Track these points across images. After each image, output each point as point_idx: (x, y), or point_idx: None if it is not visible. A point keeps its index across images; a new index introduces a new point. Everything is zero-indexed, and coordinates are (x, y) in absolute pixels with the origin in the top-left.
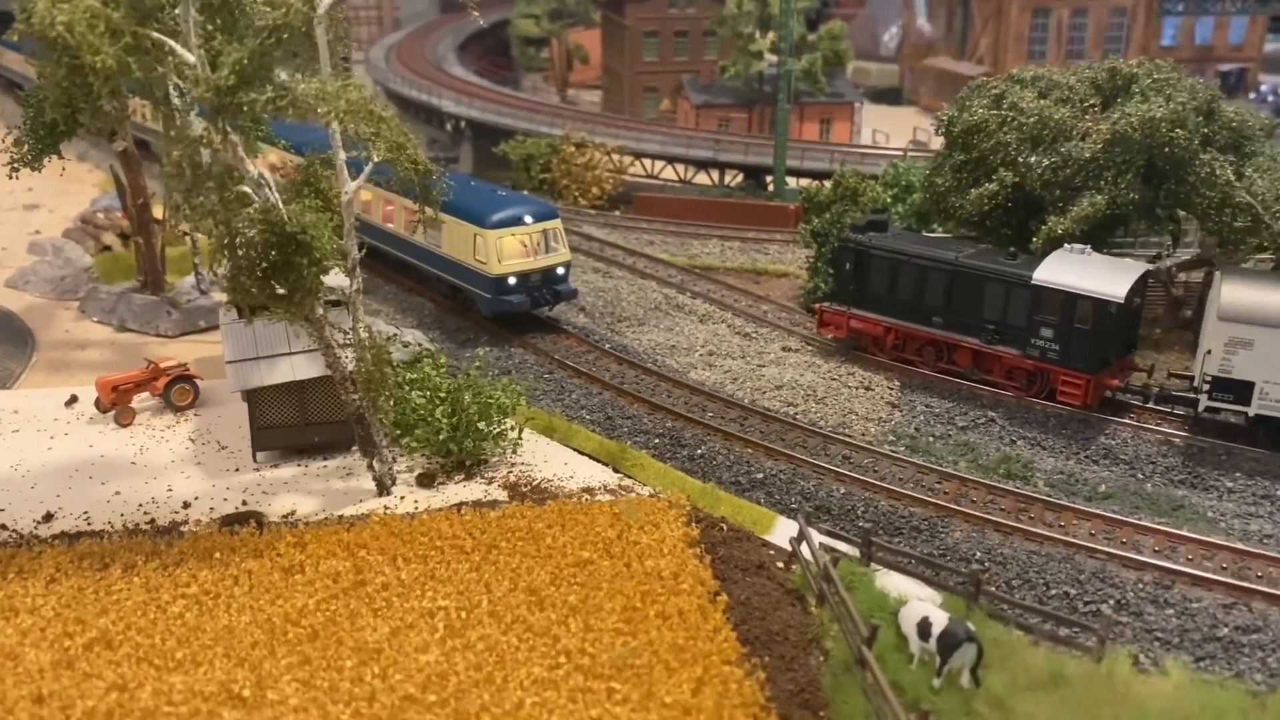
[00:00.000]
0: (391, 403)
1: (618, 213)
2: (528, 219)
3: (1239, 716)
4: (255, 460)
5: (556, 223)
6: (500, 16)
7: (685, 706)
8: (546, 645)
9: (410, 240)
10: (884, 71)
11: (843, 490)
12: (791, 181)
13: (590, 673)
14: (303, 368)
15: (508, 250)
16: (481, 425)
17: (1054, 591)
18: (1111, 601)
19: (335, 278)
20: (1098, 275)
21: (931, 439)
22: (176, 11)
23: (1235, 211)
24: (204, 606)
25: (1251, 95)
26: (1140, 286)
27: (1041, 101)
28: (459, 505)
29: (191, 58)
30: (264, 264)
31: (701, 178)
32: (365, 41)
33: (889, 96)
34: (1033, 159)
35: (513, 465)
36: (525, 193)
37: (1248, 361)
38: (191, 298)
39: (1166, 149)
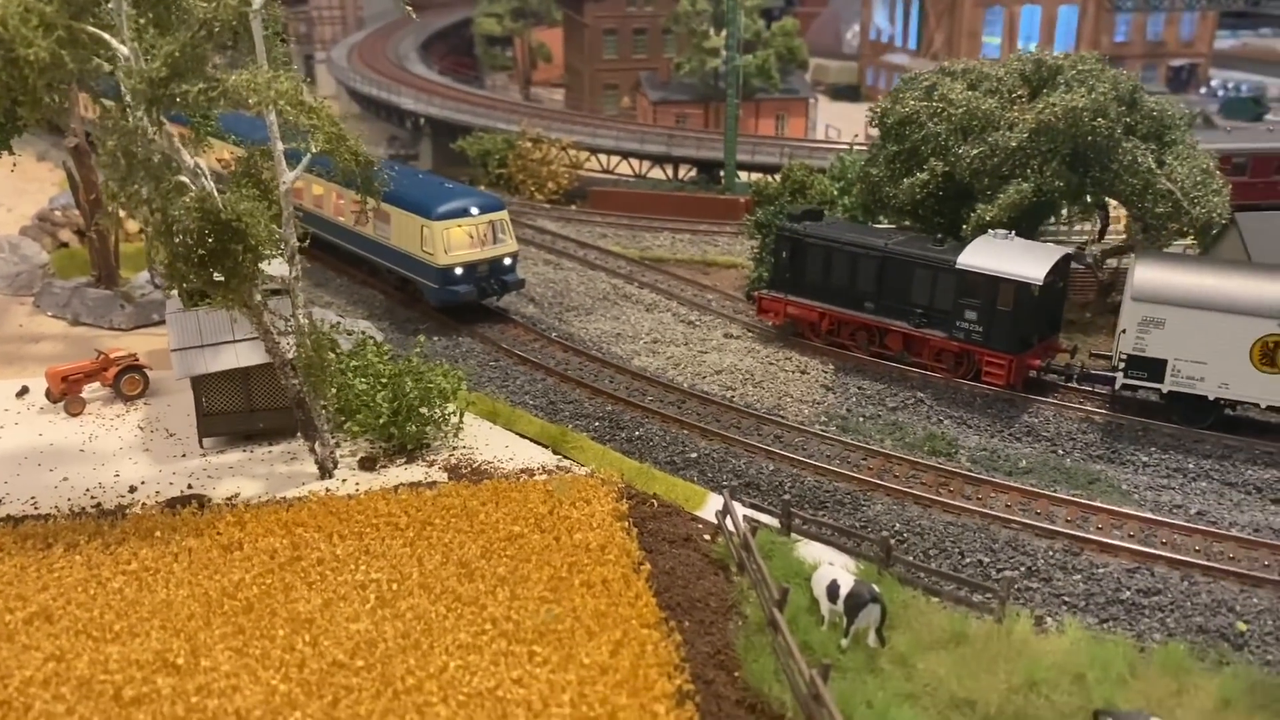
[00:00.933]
0: (334, 388)
1: (574, 207)
2: (474, 210)
3: (1124, 666)
4: (202, 446)
5: (503, 214)
6: (464, 16)
7: (603, 667)
8: (474, 613)
9: (361, 233)
10: (844, 69)
11: (772, 467)
12: (743, 176)
13: (514, 638)
14: (246, 355)
15: (454, 241)
16: (423, 410)
17: (968, 560)
18: (1023, 568)
19: (277, 266)
20: (1018, 259)
21: (862, 419)
22: (110, 5)
23: (1157, 198)
24: (143, 582)
25: (1202, 90)
26: (1061, 269)
27: (970, 93)
28: (398, 486)
29: (125, 50)
30: (200, 251)
31: (656, 172)
32: (328, 41)
33: (849, 93)
34: (962, 149)
35: (454, 449)
36: (481, 187)
37: (1160, 340)
38: (145, 292)
39: (1089, 137)
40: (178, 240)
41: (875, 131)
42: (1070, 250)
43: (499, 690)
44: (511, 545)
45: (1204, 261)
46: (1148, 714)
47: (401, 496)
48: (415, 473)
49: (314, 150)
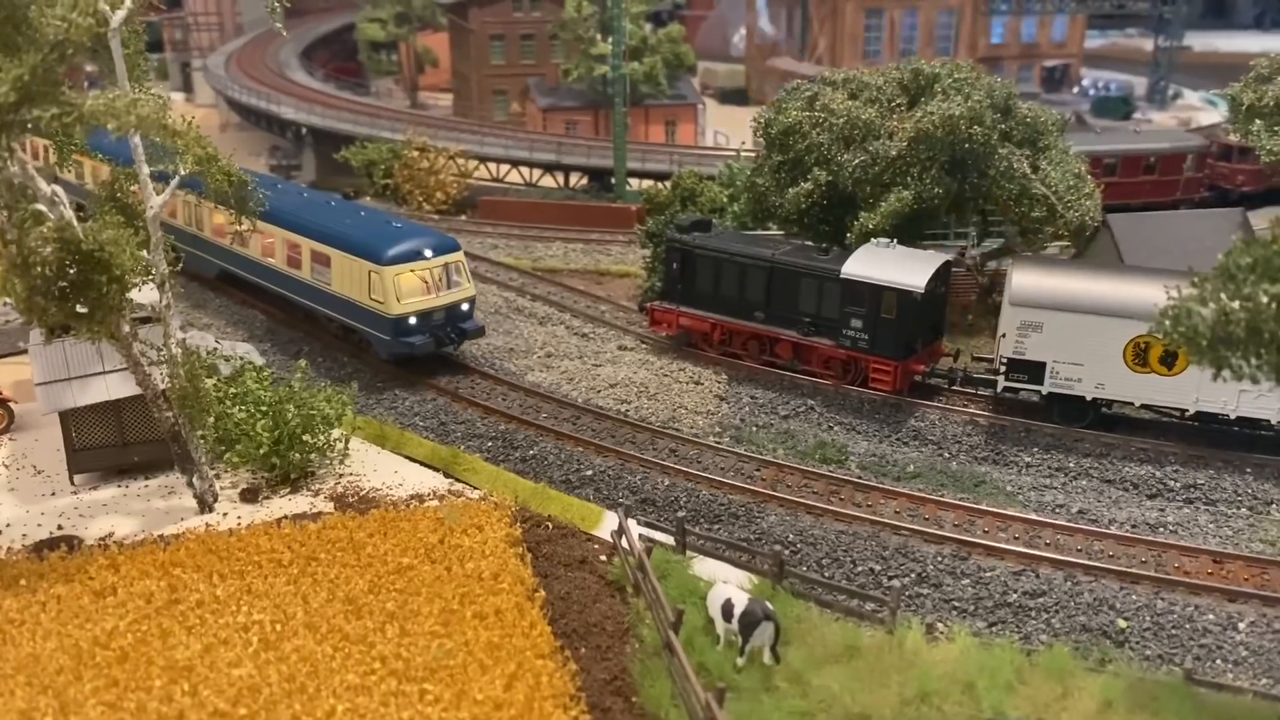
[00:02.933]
0: (212, 418)
1: (464, 217)
2: (427, 253)
3: (1011, 672)
4: (73, 483)
5: (459, 255)
6: (347, 21)
7: (497, 702)
8: (362, 652)
9: (295, 277)
10: (731, 72)
11: (667, 482)
12: (634, 183)
13: (404, 676)
14: (117, 387)
15: (407, 288)
16: (306, 437)
17: (860, 569)
18: (913, 575)
19: (147, 293)
20: (901, 267)
21: (755, 429)
22: None
23: (1032, 202)
24: (7, 635)
25: (1075, 89)
26: (942, 276)
27: (851, 102)
28: (281, 519)
29: None
30: (61, 283)
31: (547, 181)
32: (206, 48)
33: (736, 97)
34: (844, 158)
35: (340, 476)
36: (366, 199)
37: (1038, 343)
38: (10, 319)
39: (966, 144)
40: (35, 272)
41: (761, 140)
42: (950, 256)
43: None
44: (401, 578)
45: (1078, 265)
46: None
47: (285, 531)
48: (300, 503)
49: (183, 172)
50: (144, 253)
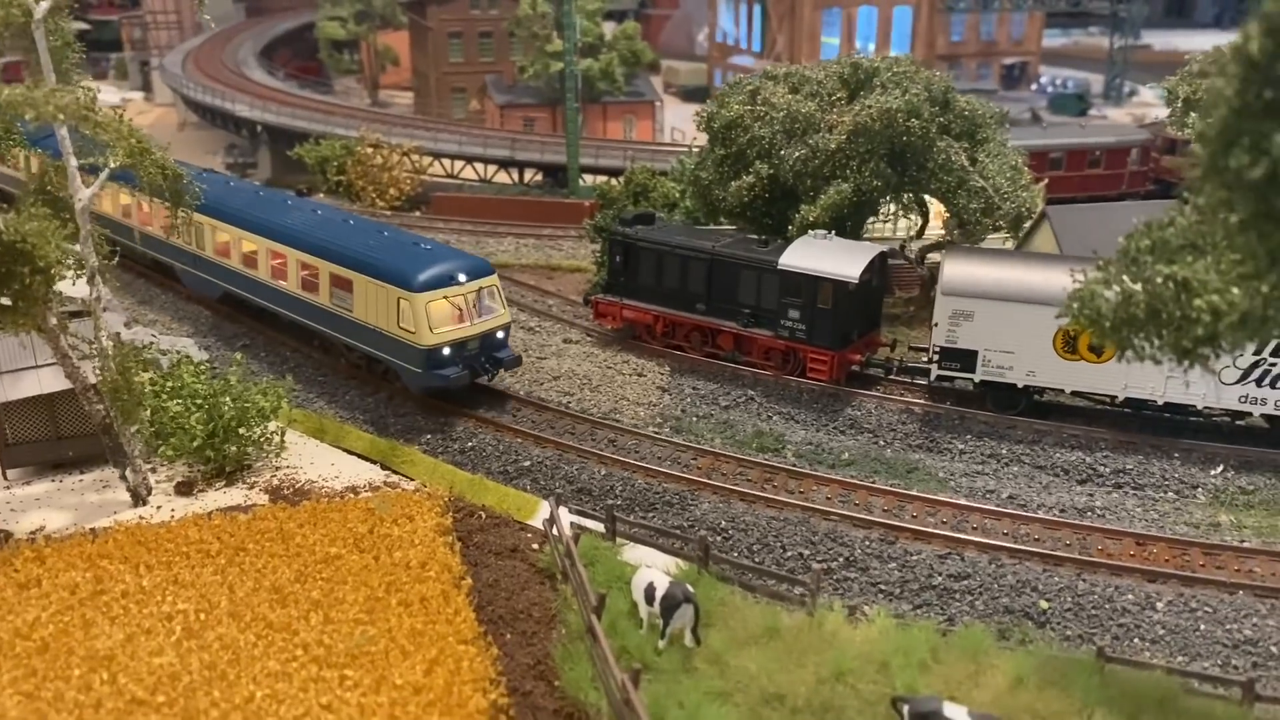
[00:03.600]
0: (148, 412)
1: (417, 214)
2: (461, 277)
3: (926, 651)
4: (5, 478)
5: (493, 279)
6: (307, 20)
7: (416, 686)
8: (285, 640)
9: (311, 302)
10: (694, 70)
11: (604, 472)
12: (589, 179)
13: (325, 662)
14: (50, 381)
15: (439, 316)
16: (242, 431)
17: (789, 553)
18: (841, 559)
19: (80, 287)
20: (836, 258)
21: (695, 419)
22: None
23: (970, 194)
24: None
25: (1033, 86)
26: (877, 267)
27: (791, 96)
28: (213, 511)
29: None
30: None
31: (502, 177)
32: (163, 47)
33: (699, 95)
34: (785, 151)
35: (277, 469)
36: (320, 195)
37: (970, 332)
38: None
39: (905, 137)
40: None
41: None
42: (886, 248)
43: (306, 718)
44: (328, 567)
45: (1009, 255)
46: (941, 697)
47: (215, 522)
48: (235, 496)
49: (113, 164)
50: (75, 246)
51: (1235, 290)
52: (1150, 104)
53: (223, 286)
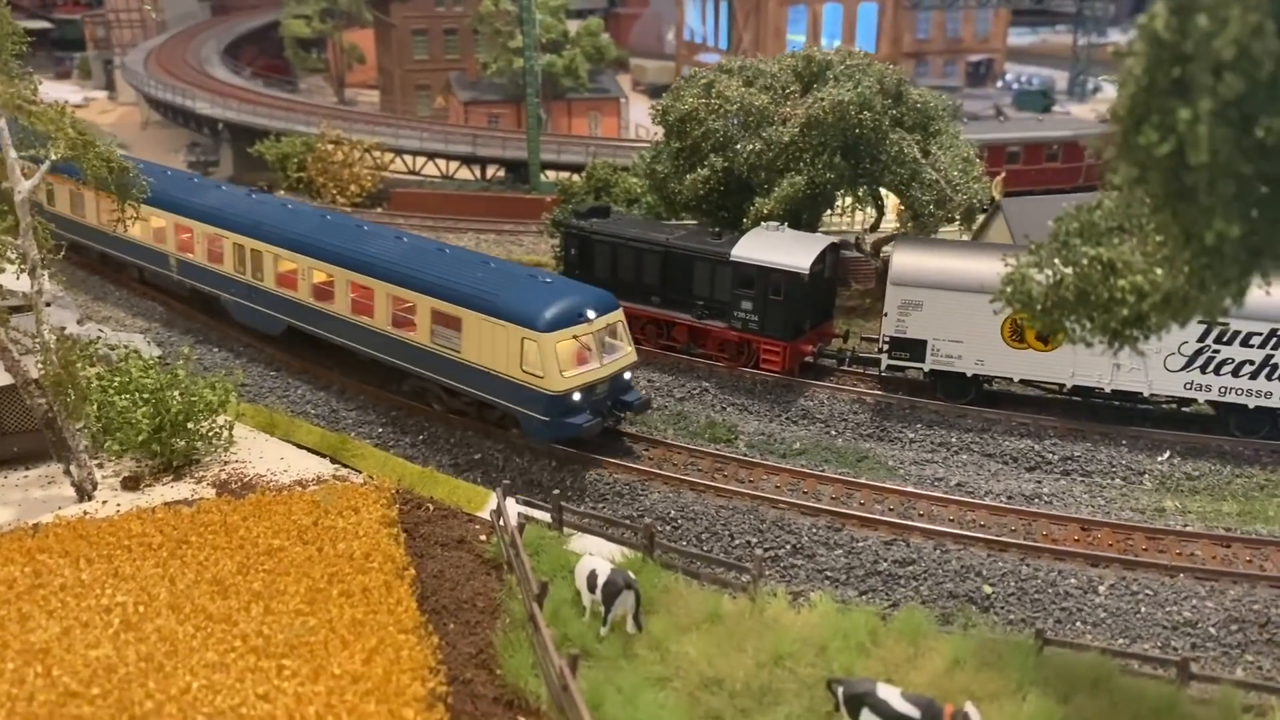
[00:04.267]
0: (94, 407)
1: (379, 210)
2: (590, 313)
3: (866, 635)
4: None
5: (619, 314)
6: (273, 18)
7: (354, 675)
8: (224, 631)
9: (407, 341)
10: (662, 68)
11: (554, 464)
12: (551, 175)
13: (264, 653)
14: None
15: (568, 357)
16: (190, 425)
17: (737, 541)
18: (788, 546)
19: (21, 281)
20: (788, 249)
21: (650, 411)
22: None
23: (923, 186)
24: None
25: (998, 83)
26: (828, 258)
27: (746, 89)
28: (158, 506)
29: None
30: None
31: (465, 173)
32: (127, 46)
33: None
34: (740, 144)
35: (226, 463)
36: (280, 192)
37: (919, 322)
38: None
39: (857, 130)
40: None
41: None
42: (837, 240)
43: (242, 707)
44: (270, 559)
45: (957, 246)
46: (875, 680)
47: (158, 516)
48: (182, 490)
49: (54, 156)
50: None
51: (1159, 271)
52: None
53: (285, 321)
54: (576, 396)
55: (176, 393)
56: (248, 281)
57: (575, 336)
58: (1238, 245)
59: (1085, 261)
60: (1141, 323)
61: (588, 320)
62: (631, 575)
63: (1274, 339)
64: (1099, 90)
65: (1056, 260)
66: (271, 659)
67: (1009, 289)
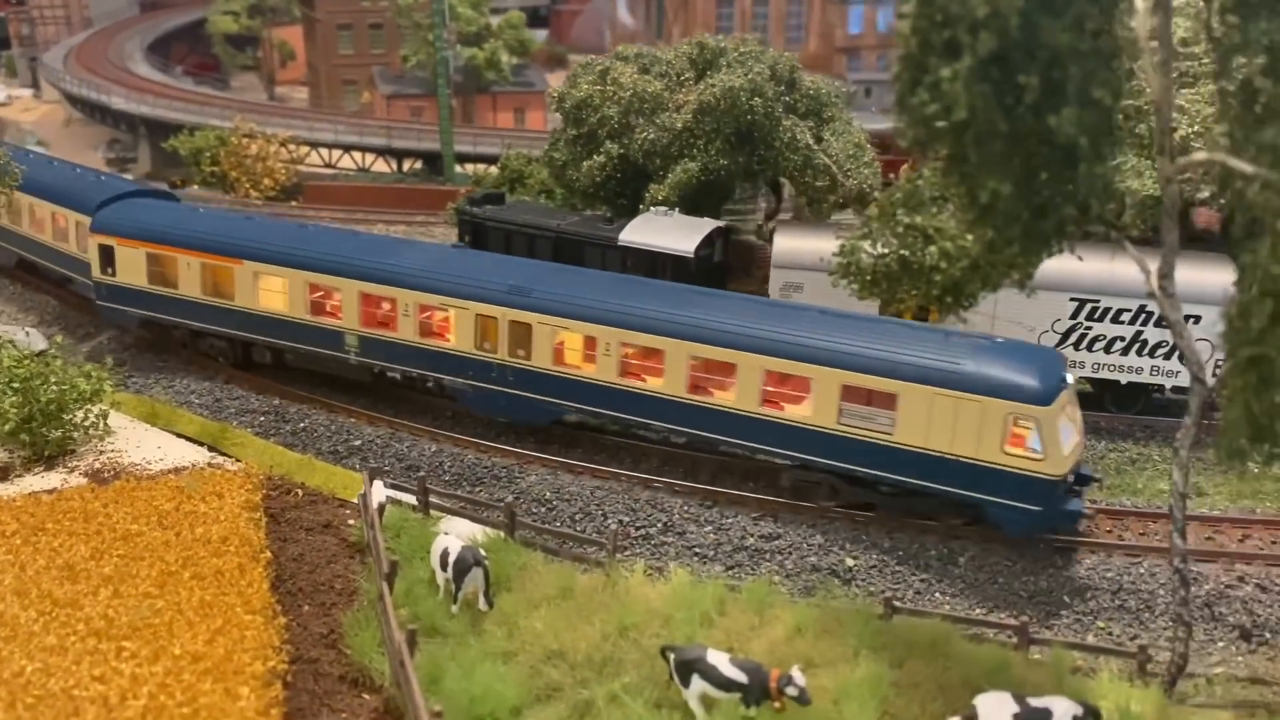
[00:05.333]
0: None
1: (293, 204)
2: (1069, 376)
3: (713, 605)
4: None
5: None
6: (201, 15)
7: (195, 656)
8: (68, 615)
9: (795, 424)
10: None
11: (434, 448)
12: (469, 167)
13: (105, 635)
14: None
15: (1063, 432)
16: (63, 415)
17: (610, 520)
18: (659, 524)
19: None
20: (674, 233)
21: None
22: None
23: (815, 172)
24: None
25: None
26: (716, 242)
27: (639, 76)
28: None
29: None
30: None
31: (381, 166)
32: (51, 42)
33: None
34: (638, 131)
35: (101, 453)
36: (194, 187)
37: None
38: None
39: (749, 116)
40: None
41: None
42: (725, 224)
43: (75, 689)
44: (126, 544)
45: (835, 228)
46: (705, 646)
47: (16, 504)
48: (53, 480)
49: None
50: None
51: (969, 236)
52: None
53: (569, 407)
54: (1070, 479)
55: (49, 381)
56: (502, 362)
57: (1066, 406)
58: (1015, 203)
59: (901, 230)
60: (958, 290)
61: (1069, 384)
62: (481, 553)
63: (1142, 315)
64: None
65: (886, 232)
66: (112, 641)
67: (844, 261)
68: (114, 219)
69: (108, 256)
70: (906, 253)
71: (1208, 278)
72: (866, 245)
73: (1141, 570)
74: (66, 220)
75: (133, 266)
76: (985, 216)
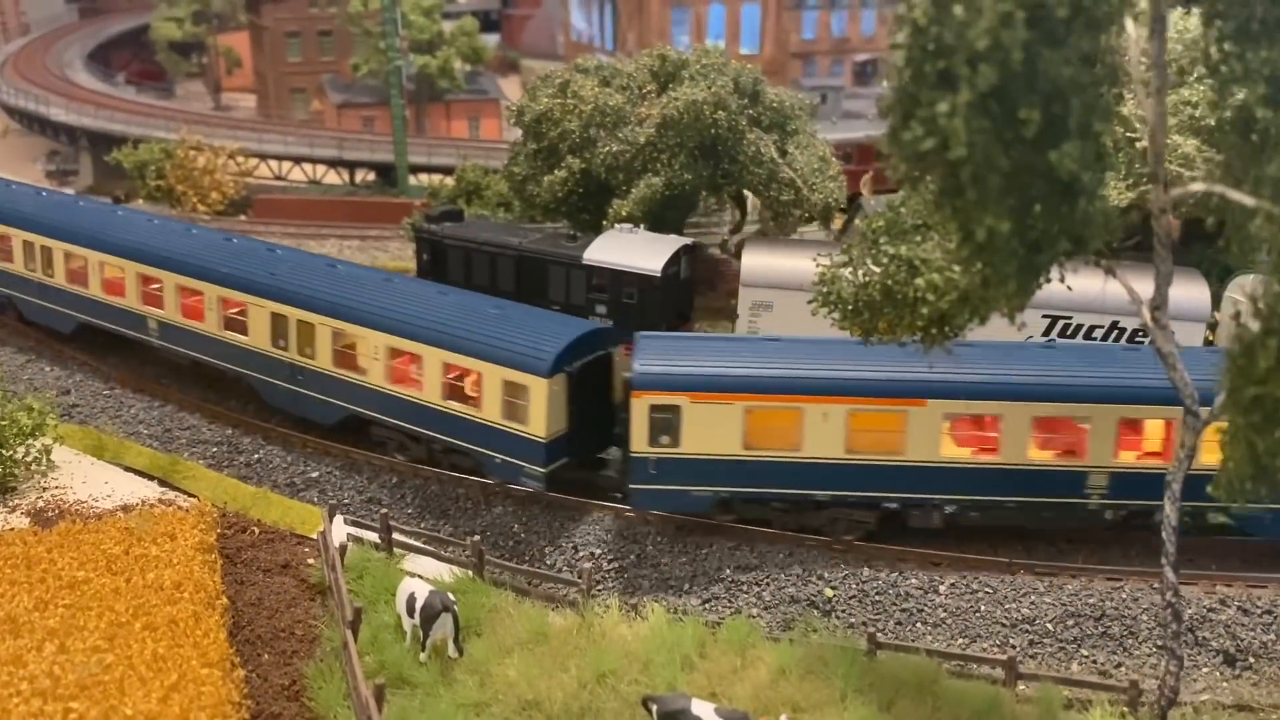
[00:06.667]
0: None
1: (242, 218)
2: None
3: (692, 647)
4: None
5: None
6: (145, 21)
7: (150, 715)
8: (9, 674)
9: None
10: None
11: (395, 480)
12: (423, 178)
13: (51, 695)
14: None
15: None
16: (3, 451)
17: (581, 553)
18: (633, 556)
19: None
20: (640, 252)
21: None
22: None
23: (781, 186)
24: None
25: (885, 83)
26: (683, 259)
27: (600, 90)
28: None
29: None
30: None
31: (333, 178)
32: None
33: None
34: (597, 145)
35: (45, 490)
36: (139, 202)
37: (770, 322)
38: None
39: (713, 130)
40: None
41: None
42: (690, 240)
43: None
44: (72, 593)
45: (808, 245)
46: (689, 695)
47: None
48: None
49: None
50: None
51: (956, 269)
52: None
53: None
54: None
55: None
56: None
57: None
58: (1012, 240)
59: (886, 260)
60: (945, 321)
61: None
62: (450, 597)
63: (1114, 331)
64: None
65: (868, 260)
66: (59, 702)
67: (823, 289)
68: None
69: None
70: (890, 282)
71: (1177, 291)
72: (847, 273)
73: (1124, 595)
74: None
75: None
76: (980, 253)
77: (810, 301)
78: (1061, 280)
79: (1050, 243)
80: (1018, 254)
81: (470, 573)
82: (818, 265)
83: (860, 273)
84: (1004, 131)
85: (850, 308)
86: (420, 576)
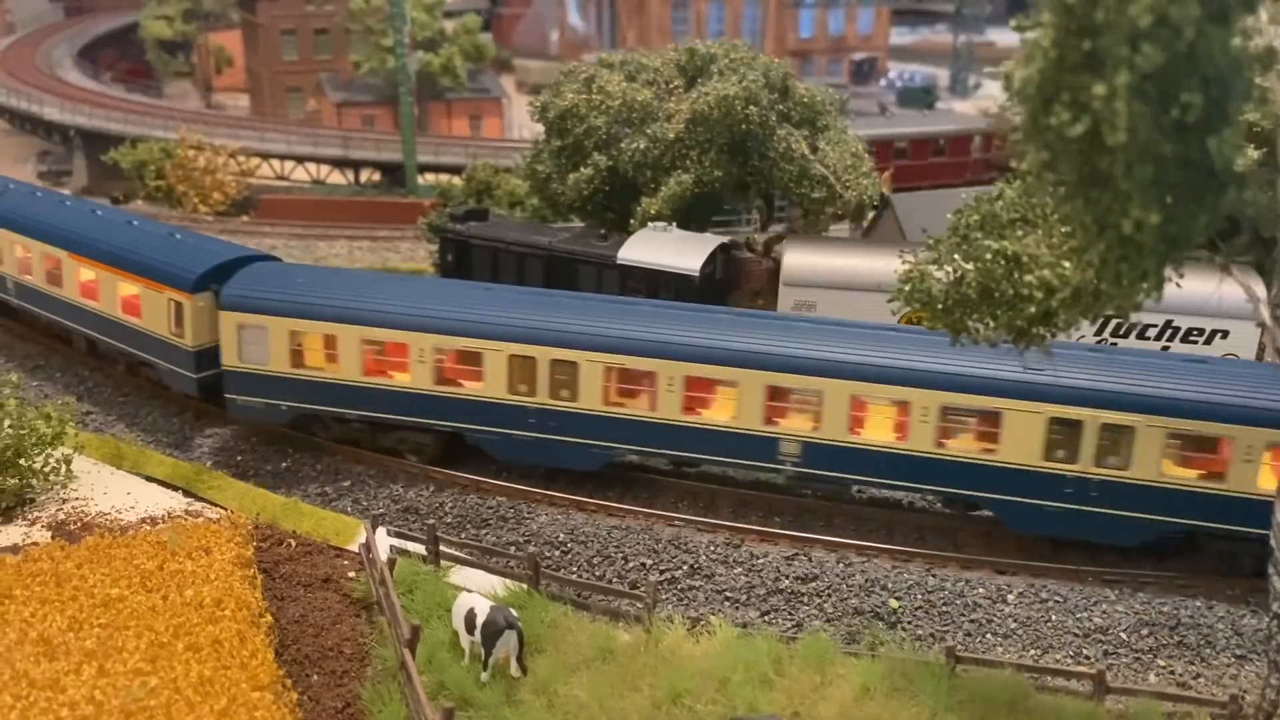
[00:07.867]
0: None
1: (244, 219)
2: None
3: (769, 664)
4: None
5: None
6: (134, 19)
7: None
8: (49, 699)
9: None
10: (545, 69)
11: (432, 488)
12: (430, 177)
13: None
14: None
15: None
16: (22, 461)
17: (631, 564)
18: (685, 566)
19: None
20: (675, 251)
21: None
22: None
23: (812, 183)
24: None
25: (881, 81)
26: (718, 259)
27: (628, 85)
28: None
29: None
30: None
31: (337, 177)
32: None
33: None
34: (625, 143)
35: (65, 501)
36: (137, 202)
37: None
38: None
39: (744, 125)
40: None
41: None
42: (727, 239)
43: None
44: (107, 611)
45: (848, 243)
46: (779, 717)
47: None
48: (13, 534)
49: None
50: None
51: (1066, 264)
52: (995, 97)
53: None
54: None
55: (3, 425)
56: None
57: None
58: (1156, 234)
59: (989, 256)
60: (1049, 319)
61: None
62: (513, 613)
63: (1169, 330)
64: (980, 87)
65: (957, 256)
66: None
67: (908, 287)
68: None
69: None
70: (990, 280)
71: (1228, 289)
72: (936, 270)
73: (1198, 604)
74: None
75: None
76: (1117, 246)
77: (890, 300)
78: (1180, 277)
79: (1191, 236)
80: (1159, 249)
81: (525, 586)
82: (902, 262)
83: (951, 269)
84: (1162, 117)
85: (940, 306)
86: (478, 591)
